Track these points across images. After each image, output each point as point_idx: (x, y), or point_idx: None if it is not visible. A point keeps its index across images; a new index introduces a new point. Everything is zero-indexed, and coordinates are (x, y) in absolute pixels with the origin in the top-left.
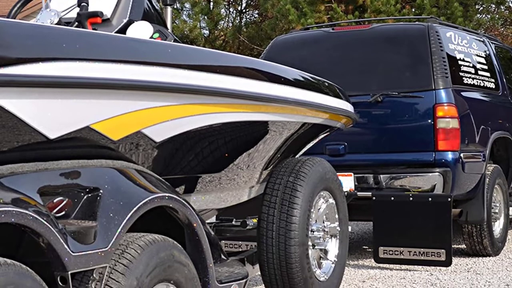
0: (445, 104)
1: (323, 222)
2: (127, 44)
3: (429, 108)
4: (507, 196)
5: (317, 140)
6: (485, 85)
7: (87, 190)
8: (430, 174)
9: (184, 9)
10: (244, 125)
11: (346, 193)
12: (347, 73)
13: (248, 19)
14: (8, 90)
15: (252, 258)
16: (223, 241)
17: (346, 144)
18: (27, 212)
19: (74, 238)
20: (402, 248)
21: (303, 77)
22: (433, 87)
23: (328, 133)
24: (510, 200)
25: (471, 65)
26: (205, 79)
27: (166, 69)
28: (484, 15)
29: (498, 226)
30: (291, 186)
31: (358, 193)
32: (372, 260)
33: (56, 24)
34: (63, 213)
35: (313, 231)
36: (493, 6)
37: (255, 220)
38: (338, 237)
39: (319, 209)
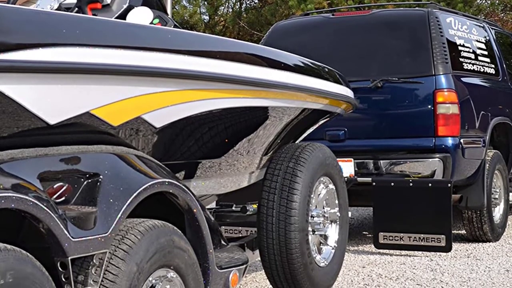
0: (445, 90)
1: (323, 208)
2: (127, 30)
3: (429, 93)
4: (507, 182)
5: (317, 125)
6: (485, 71)
7: (87, 175)
8: (430, 159)
9: None
10: (244, 111)
11: (346, 178)
12: (347, 59)
13: (248, 5)
14: (8, 76)
15: (252, 244)
16: (223, 227)
17: (346, 129)
18: (27, 197)
19: (74, 224)
20: (402, 234)
21: (303, 62)
22: (433, 73)
23: (328, 118)
24: (510, 185)
25: (471, 50)
26: (205, 65)
27: (166, 54)
28: (484, 1)
29: (498, 212)
30: (291, 171)
31: (358, 178)
32: (372, 246)
33: (56, 9)
34: (63, 198)
35: (313, 217)
36: None
37: (255, 206)
38: (338, 222)
39: (319, 194)
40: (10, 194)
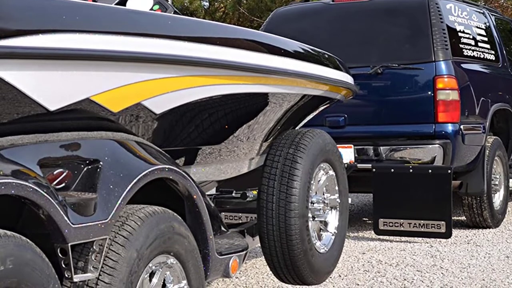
0: (445, 76)
1: (323, 194)
2: (127, 16)
3: (429, 80)
4: (507, 168)
5: (317, 112)
6: (485, 57)
7: (87, 162)
8: (430, 146)
9: None
10: (244, 97)
11: (346, 165)
12: (347, 45)
13: None
14: (8, 62)
15: (252, 230)
16: (223, 213)
17: (346, 116)
18: (27, 184)
19: (74, 210)
20: (402, 220)
21: (303, 49)
22: (433, 59)
23: (328, 105)
24: (510, 172)
25: (471, 37)
26: (205, 51)
27: (166, 41)
28: None
29: (498, 198)
30: (291, 158)
31: (358, 165)
32: (372, 232)
33: None
34: (63, 185)
35: (313, 203)
36: None
37: (255, 192)
38: (338, 209)
39: (319, 181)
40: (10, 180)
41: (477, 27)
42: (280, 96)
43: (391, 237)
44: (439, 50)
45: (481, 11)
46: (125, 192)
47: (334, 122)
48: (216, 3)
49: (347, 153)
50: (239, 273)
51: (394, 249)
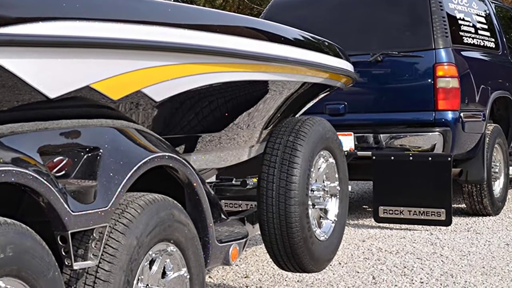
0: (445, 64)
1: (323, 182)
2: (127, 4)
3: (429, 67)
4: (507, 156)
5: (317, 99)
6: (485, 45)
7: (87, 149)
8: (430, 133)
9: None
10: (244, 85)
11: (346, 152)
12: (347, 33)
13: None
14: (8, 50)
15: (252, 218)
16: (223, 201)
17: (346, 103)
18: (27, 171)
19: (74, 198)
20: (402, 208)
21: (303, 36)
22: (433, 47)
23: (328, 92)
24: (510, 159)
25: (471, 24)
26: (205, 39)
27: (166, 28)
28: None
29: (498, 186)
30: (291, 145)
31: (358, 152)
32: (372, 220)
33: None
34: (63, 172)
35: (313, 191)
36: None
37: (255, 180)
38: (338, 196)
39: (319, 168)
40: (10, 168)
41: (477, 14)
42: (280, 83)
43: (391, 225)
44: (439, 38)
45: None
46: (125, 180)
47: (334, 110)
48: None
49: (347, 141)
50: (239, 260)
51: (394, 236)
